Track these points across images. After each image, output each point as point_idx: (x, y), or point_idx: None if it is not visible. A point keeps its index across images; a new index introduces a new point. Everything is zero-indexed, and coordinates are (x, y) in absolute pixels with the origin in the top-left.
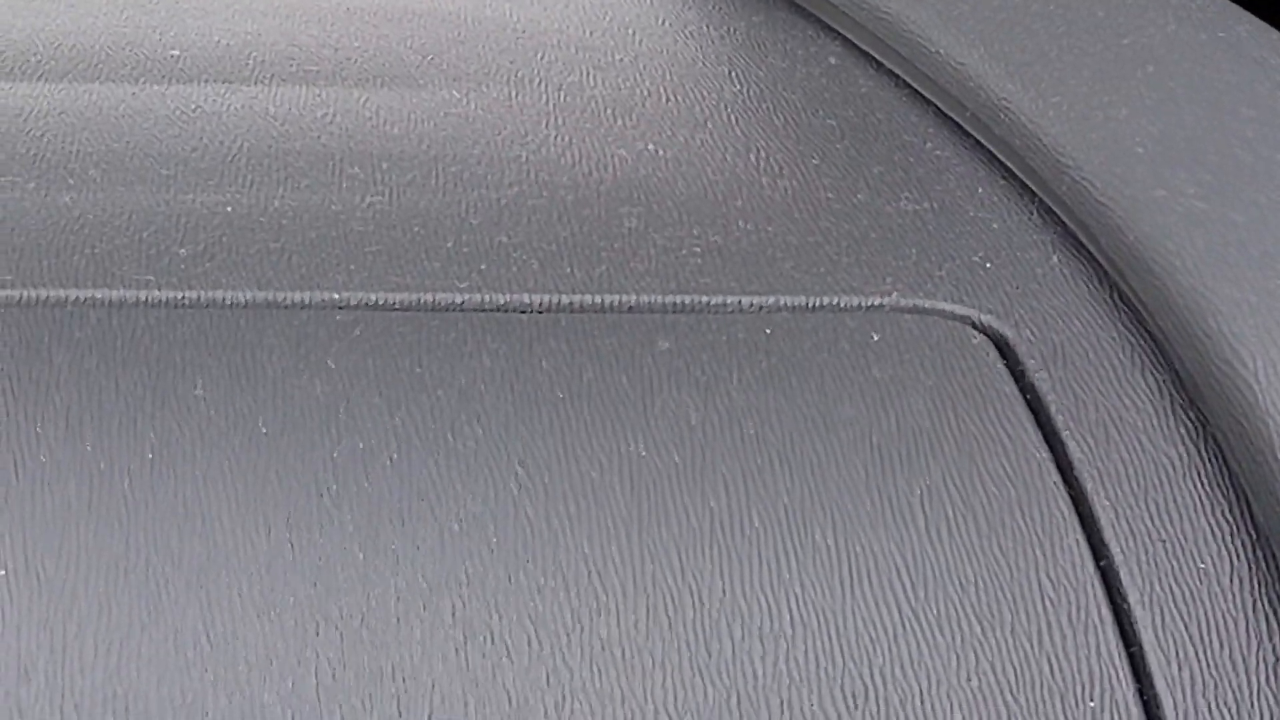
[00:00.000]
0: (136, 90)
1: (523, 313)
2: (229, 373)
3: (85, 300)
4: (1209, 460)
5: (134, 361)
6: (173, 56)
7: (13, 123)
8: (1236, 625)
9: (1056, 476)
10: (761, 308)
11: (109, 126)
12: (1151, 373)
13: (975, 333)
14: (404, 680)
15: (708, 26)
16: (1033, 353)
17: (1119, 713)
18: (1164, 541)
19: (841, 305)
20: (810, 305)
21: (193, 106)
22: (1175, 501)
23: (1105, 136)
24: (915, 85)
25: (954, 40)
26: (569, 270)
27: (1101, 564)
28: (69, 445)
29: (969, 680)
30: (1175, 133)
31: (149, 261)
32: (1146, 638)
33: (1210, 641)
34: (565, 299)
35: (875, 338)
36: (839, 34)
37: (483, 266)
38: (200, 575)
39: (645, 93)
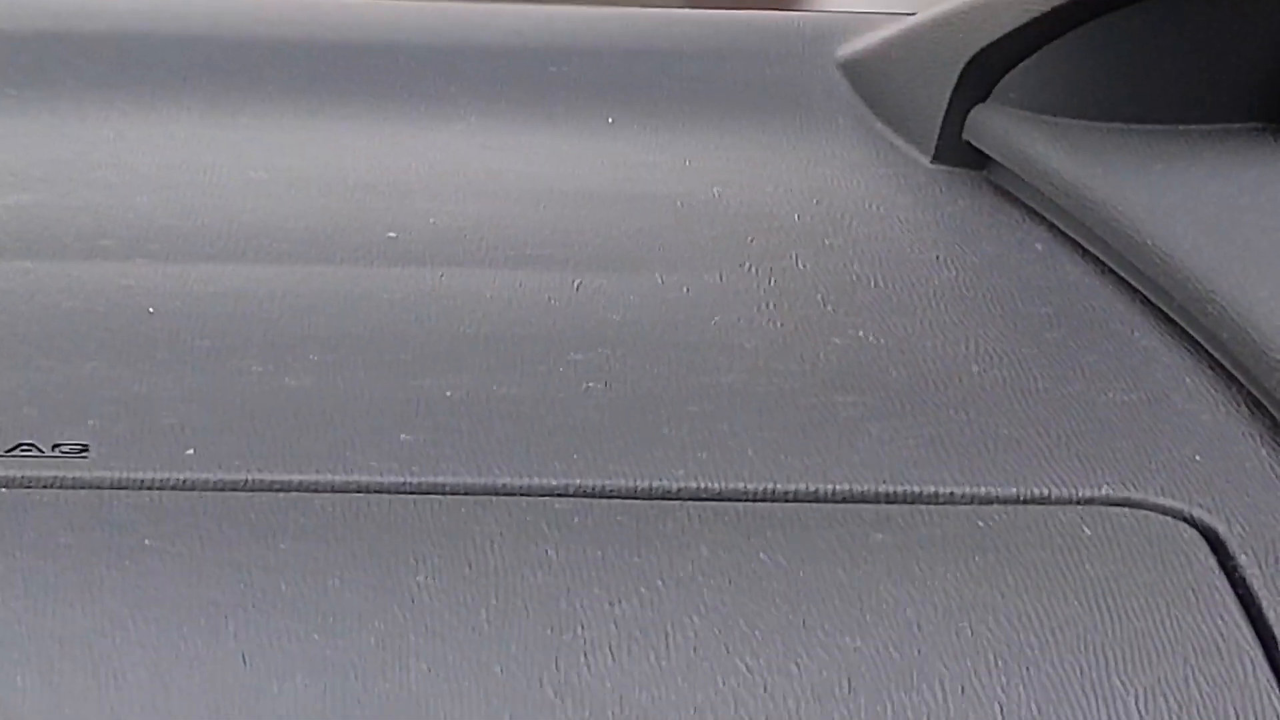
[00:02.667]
0: (358, 273)
1: (740, 501)
2: (451, 562)
3: (311, 485)
4: None
5: (358, 550)
6: (390, 239)
7: (240, 306)
8: None
9: (1270, 675)
10: (975, 499)
11: (332, 310)
12: None
13: (1187, 527)
14: None
15: (917, 210)
16: (1245, 548)
17: None
18: None
19: (1054, 498)
20: (1022, 497)
21: (413, 289)
22: None
23: None
24: (1121, 273)
25: (1162, 230)
26: (785, 459)
27: None
28: (296, 636)
29: None
30: None
31: (373, 447)
32: None
33: None
34: (782, 488)
35: (1088, 532)
36: (1044, 219)
37: (701, 455)
38: None
39: (857, 278)
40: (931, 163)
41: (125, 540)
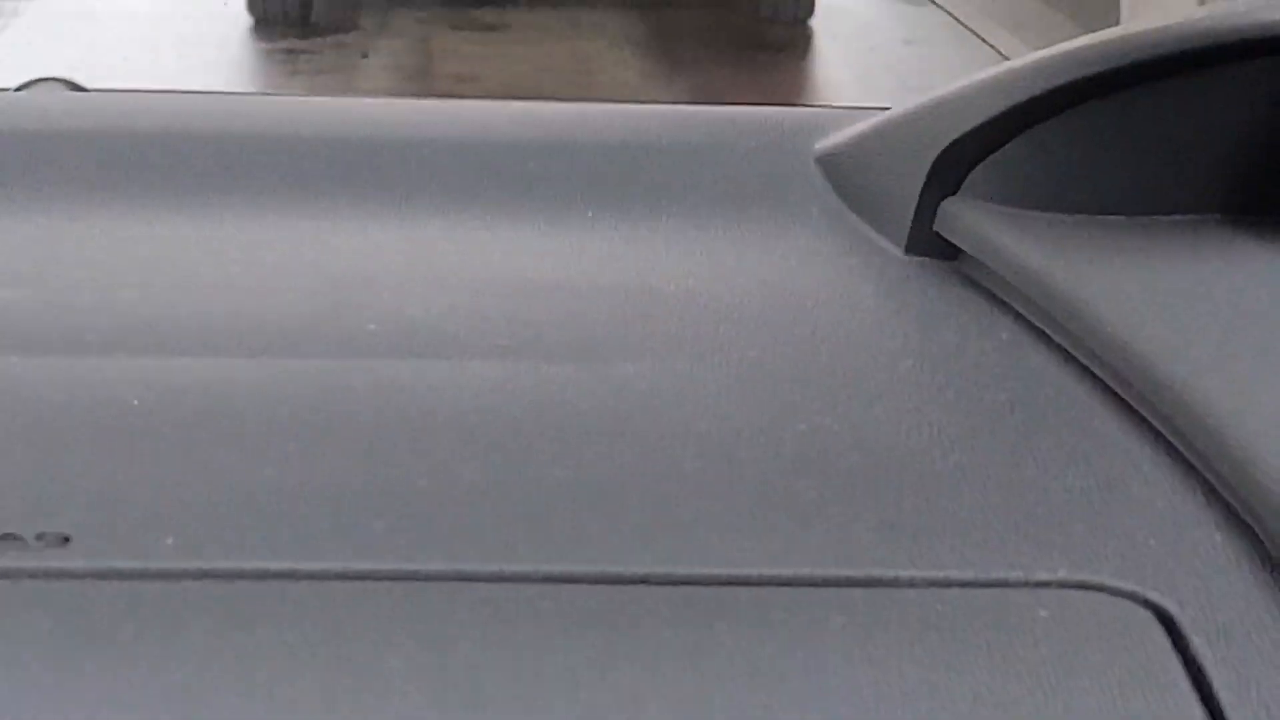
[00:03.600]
0: (335, 365)
1: (702, 585)
2: (421, 646)
3: (287, 572)
4: None
5: (332, 635)
6: (370, 331)
7: (219, 398)
8: None
9: None
10: (932, 583)
11: (308, 401)
12: None
13: (1141, 609)
14: None
15: (887, 300)
16: (1197, 629)
17: None
18: None
19: (1010, 580)
20: (979, 580)
21: (388, 380)
22: None
23: (1268, 418)
24: (1083, 360)
25: (1121, 318)
26: (747, 544)
27: None
28: None
29: None
30: None
31: (347, 535)
32: None
33: None
34: (742, 572)
35: (1043, 614)
36: (1011, 308)
37: (667, 540)
38: None
39: (822, 366)
40: (904, 254)
41: (104, 629)
